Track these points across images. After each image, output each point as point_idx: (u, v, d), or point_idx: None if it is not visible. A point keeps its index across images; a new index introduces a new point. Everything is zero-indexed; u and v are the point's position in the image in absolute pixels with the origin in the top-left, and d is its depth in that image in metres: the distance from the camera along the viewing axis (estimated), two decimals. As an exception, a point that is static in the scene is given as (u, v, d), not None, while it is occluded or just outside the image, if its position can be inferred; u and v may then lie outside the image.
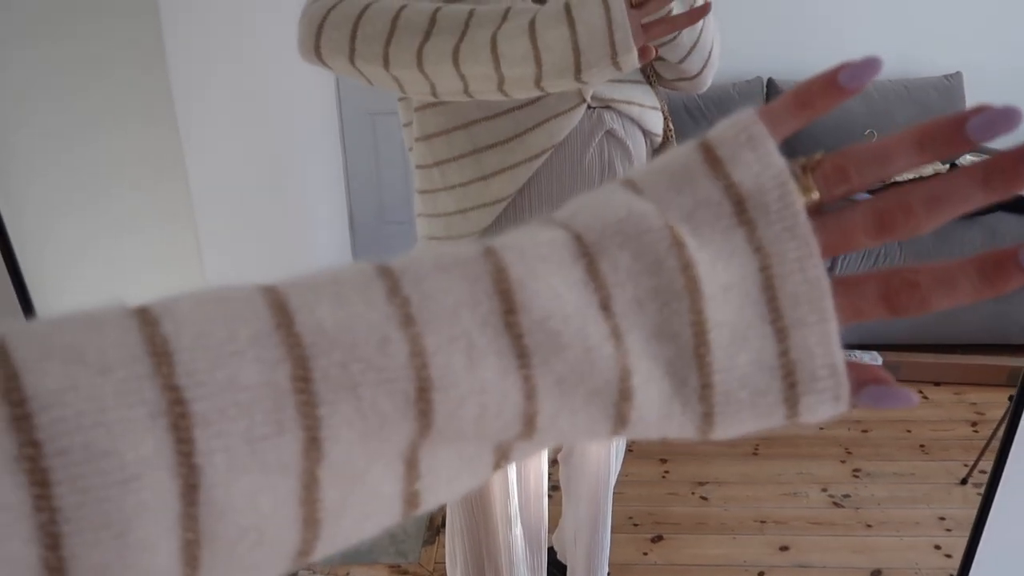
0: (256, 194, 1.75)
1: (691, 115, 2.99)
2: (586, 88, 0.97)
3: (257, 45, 1.76)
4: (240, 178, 1.65)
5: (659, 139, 1.14)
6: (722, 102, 3.00)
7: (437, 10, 0.80)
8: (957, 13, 3.08)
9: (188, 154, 1.38)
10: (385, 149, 3.51)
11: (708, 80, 1.11)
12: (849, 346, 0.25)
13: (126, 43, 1.27)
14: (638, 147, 1.08)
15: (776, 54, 3.20)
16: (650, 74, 1.11)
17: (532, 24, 0.78)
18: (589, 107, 1.00)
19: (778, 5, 3.16)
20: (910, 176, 2.72)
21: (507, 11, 0.80)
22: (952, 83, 3.01)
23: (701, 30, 1.01)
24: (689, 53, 1.01)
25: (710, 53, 1.06)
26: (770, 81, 3.08)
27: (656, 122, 1.11)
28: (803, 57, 3.18)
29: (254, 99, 1.75)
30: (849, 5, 3.14)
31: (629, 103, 1.05)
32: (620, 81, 1.04)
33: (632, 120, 1.06)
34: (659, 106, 1.12)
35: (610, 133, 1.03)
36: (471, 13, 0.80)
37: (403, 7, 0.81)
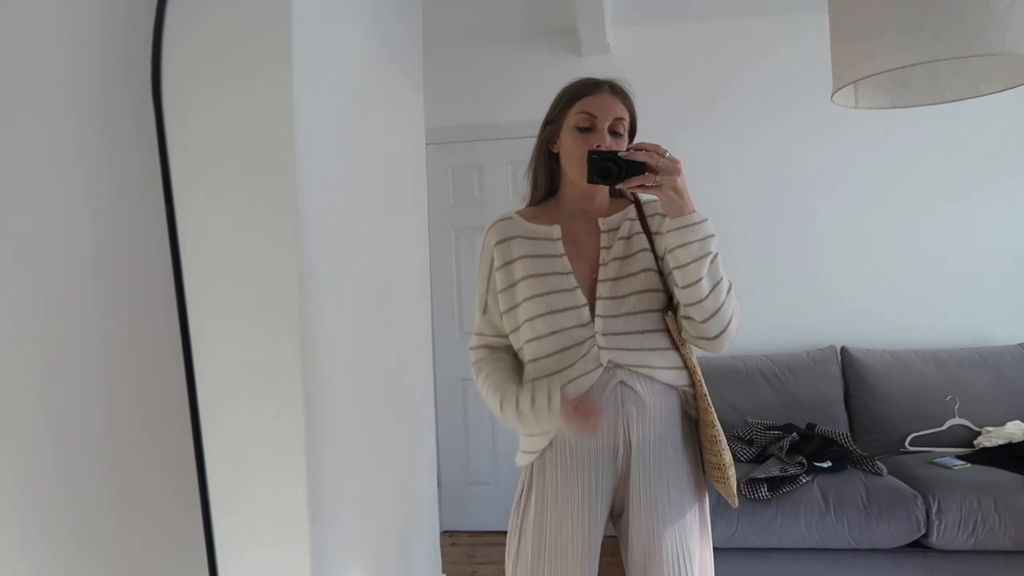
0: (367, 452, 1.92)
1: (766, 379, 3.11)
2: (603, 354, 1.41)
3: (379, 336, 2.04)
4: (353, 430, 1.83)
5: (690, 388, 1.46)
6: (796, 368, 3.13)
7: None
8: None
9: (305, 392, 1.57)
10: (474, 411, 3.71)
11: (724, 345, 1.42)
12: None
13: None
14: (653, 393, 1.43)
15: (849, 324, 3.36)
16: (677, 340, 1.45)
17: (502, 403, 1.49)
18: (605, 368, 1.40)
19: (855, 280, 3.39)
20: (1000, 442, 2.70)
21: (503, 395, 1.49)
22: (1028, 350, 3.08)
23: (724, 301, 1.37)
24: (710, 317, 1.37)
25: (728, 324, 1.40)
26: (843, 350, 3.21)
27: (674, 377, 1.44)
28: (877, 327, 3.34)
29: (374, 368, 1.99)
30: (920, 277, 3.35)
31: (640, 366, 1.42)
32: (641, 349, 1.42)
33: (645, 376, 1.42)
34: (681, 365, 1.46)
35: (623, 383, 1.41)
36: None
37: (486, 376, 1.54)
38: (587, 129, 1.45)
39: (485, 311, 1.57)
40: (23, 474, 1.35)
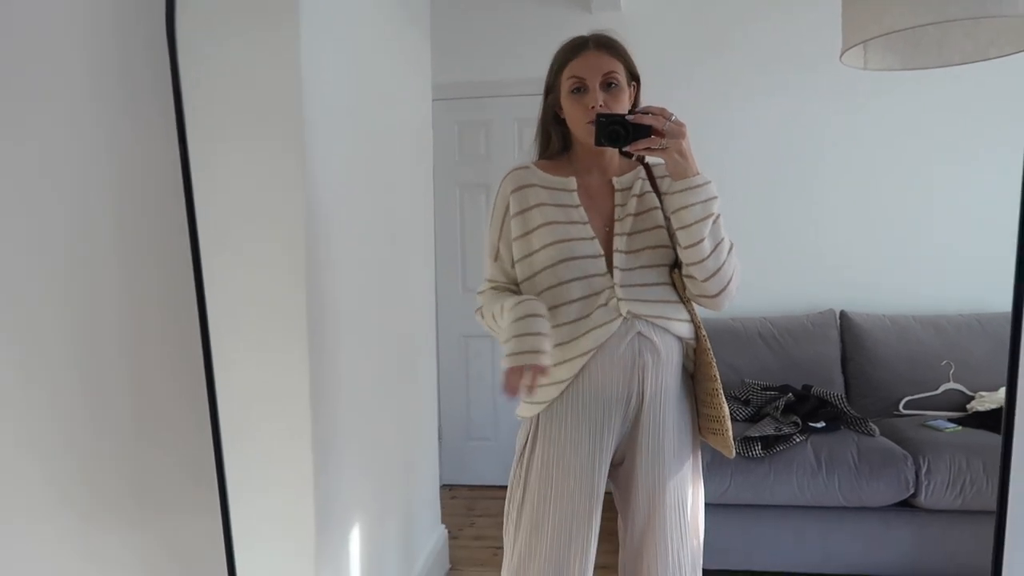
0: (371, 404, 1.95)
1: (764, 341, 3.14)
2: (622, 305, 1.44)
3: (385, 288, 2.06)
4: (357, 381, 1.86)
5: (693, 341, 1.51)
6: (795, 331, 3.16)
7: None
8: None
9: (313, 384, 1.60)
10: (475, 367, 3.75)
11: (724, 303, 1.48)
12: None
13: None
14: (667, 344, 1.47)
15: (849, 288, 3.38)
16: (682, 292, 1.50)
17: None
18: (624, 318, 1.43)
19: (856, 244, 3.41)
20: (992, 407, 2.75)
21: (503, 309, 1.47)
22: (1025, 318, 3.10)
23: (724, 261, 1.42)
24: (711, 276, 1.43)
25: (728, 282, 1.46)
26: (843, 314, 3.24)
27: (685, 330, 1.49)
28: (876, 291, 3.36)
29: (380, 321, 2.02)
30: (921, 243, 3.36)
31: (658, 316, 1.46)
32: (656, 301, 1.46)
33: (660, 327, 1.46)
34: (689, 319, 1.50)
35: (640, 334, 1.45)
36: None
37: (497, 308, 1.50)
38: (579, 90, 1.47)
39: (497, 258, 1.58)
40: (55, 386, 1.39)
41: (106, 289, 1.45)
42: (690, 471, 1.53)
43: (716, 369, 1.50)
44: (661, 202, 1.52)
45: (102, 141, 1.42)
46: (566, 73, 1.49)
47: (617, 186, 1.54)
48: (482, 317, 1.59)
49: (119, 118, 1.43)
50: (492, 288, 1.59)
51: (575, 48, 1.50)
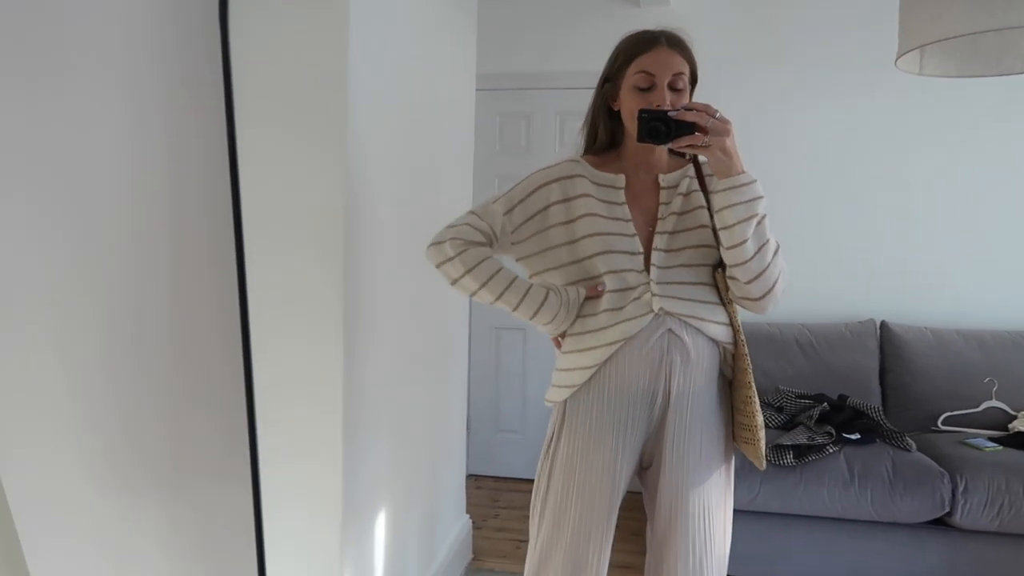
0: (401, 392, 1.97)
1: (801, 348, 3.09)
2: (655, 301, 1.41)
3: (421, 278, 2.07)
4: (389, 369, 1.88)
5: (731, 346, 1.48)
6: (832, 339, 3.10)
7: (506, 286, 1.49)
8: (1074, 271, 3.14)
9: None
10: (506, 360, 3.76)
11: (768, 307, 1.46)
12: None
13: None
14: (698, 346, 1.44)
15: (891, 298, 3.31)
16: (724, 297, 1.47)
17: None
18: (656, 314, 1.41)
19: (900, 253, 3.33)
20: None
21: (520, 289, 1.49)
22: (1075, 337, 3.00)
23: (769, 263, 1.39)
24: (755, 279, 1.40)
25: (773, 285, 1.43)
26: (883, 324, 3.17)
27: (720, 333, 1.46)
28: (919, 303, 3.28)
29: (415, 318, 2.03)
30: (967, 255, 3.27)
31: (690, 316, 1.43)
32: (693, 300, 1.44)
33: (693, 327, 1.43)
34: (727, 322, 1.47)
35: (671, 331, 1.42)
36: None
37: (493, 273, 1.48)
38: (646, 88, 1.42)
39: (508, 212, 1.52)
40: (101, 308, 1.42)
41: (153, 272, 1.48)
42: (720, 479, 1.50)
43: (752, 376, 1.46)
44: (708, 201, 1.49)
45: (155, 127, 1.45)
46: (634, 67, 1.44)
47: (663, 184, 1.52)
48: (447, 257, 1.49)
49: (170, 104, 1.46)
50: (474, 232, 1.49)
51: (647, 42, 1.44)
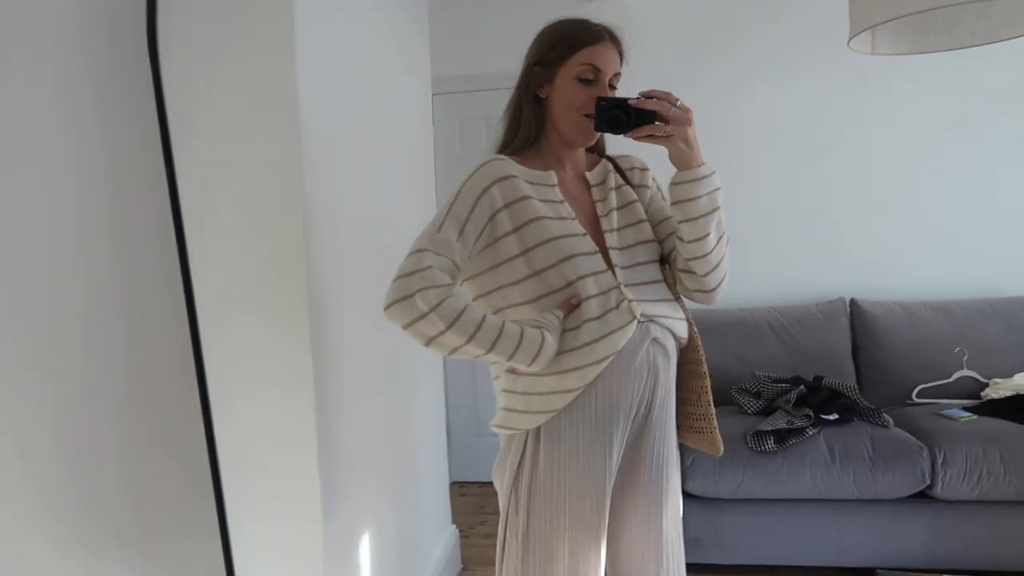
0: (376, 403, 1.93)
1: (774, 331, 3.10)
2: (635, 307, 1.32)
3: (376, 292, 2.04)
4: (364, 384, 1.84)
5: (685, 340, 1.43)
6: (804, 320, 3.12)
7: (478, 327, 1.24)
8: (1033, 237, 3.20)
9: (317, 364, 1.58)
10: (483, 363, 3.72)
11: (719, 297, 1.43)
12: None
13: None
14: (672, 348, 1.39)
15: (858, 276, 3.34)
16: (673, 288, 1.44)
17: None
18: (639, 322, 1.32)
19: (866, 231, 3.36)
20: (1007, 394, 2.70)
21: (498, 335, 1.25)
22: (1039, 302, 3.05)
23: (724, 254, 1.36)
24: (712, 271, 1.37)
25: (725, 274, 1.40)
26: (853, 302, 3.19)
27: (683, 329, 1.41)
28: (886, 278, 3.31)
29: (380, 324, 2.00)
30: (929, 228, 3.31)
31: (665, 317, 1.36)
32: (658, 300, 1.38)
33: (667, 329, 1.37)
34: (684, 316, 1.43)
35: (655, 340, 1.35)
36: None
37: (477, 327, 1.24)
38: (590, 81, 1.35)
39: (460, 236, 1.28)
40: (54, 394, 1.36)
41: (99, 296, 1.42)
42: (678, 478, 1.49)
43: (706, 366, 1.43)
44: (639, 196, 1.46)
45: (90, 141, 1.40)
46: (581, 57, 1.35)
47: (592, 180, 1.44)
48: (420, 313, 1.20)
49: (107, 118, 1.41)
50: (441, 275, 1.24)
51: (594, 34, 1.37)
